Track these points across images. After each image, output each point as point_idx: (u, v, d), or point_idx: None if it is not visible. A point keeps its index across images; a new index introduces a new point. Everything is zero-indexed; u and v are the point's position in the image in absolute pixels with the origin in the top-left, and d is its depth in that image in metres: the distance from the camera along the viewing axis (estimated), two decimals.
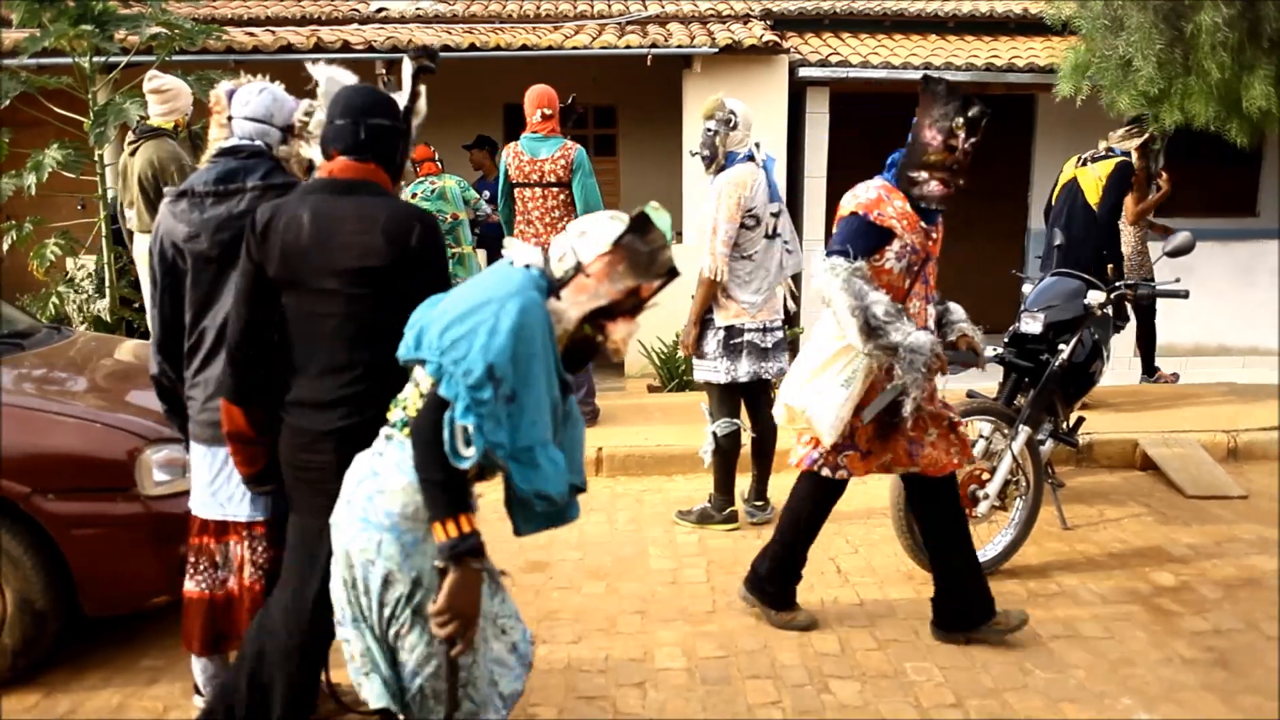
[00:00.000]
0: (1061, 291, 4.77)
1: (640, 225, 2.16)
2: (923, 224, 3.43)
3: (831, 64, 8.70)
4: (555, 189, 5.64)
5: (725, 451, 4.71)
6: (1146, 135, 6.37)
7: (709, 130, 4.64)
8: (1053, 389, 4.49)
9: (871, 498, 5.09)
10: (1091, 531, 4.72)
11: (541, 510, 2.17)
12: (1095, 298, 4.60)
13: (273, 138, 2.87)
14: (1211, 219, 9.50)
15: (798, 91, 8.81)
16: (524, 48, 8.35)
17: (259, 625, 2.62)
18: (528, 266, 2.19)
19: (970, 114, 3.34)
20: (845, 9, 10.11)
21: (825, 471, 3.57)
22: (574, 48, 8.48)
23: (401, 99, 2.64)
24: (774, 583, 3.77)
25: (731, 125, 4.61)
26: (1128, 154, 6.23)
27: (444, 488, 2.03)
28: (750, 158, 4.62)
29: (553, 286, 2.16)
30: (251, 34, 8.61)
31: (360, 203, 2.43)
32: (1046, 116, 9.85)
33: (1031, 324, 4.63)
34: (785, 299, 4.95)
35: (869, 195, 3.42)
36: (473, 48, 8.22)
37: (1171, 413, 6.31)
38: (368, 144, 2.48)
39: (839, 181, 9.22)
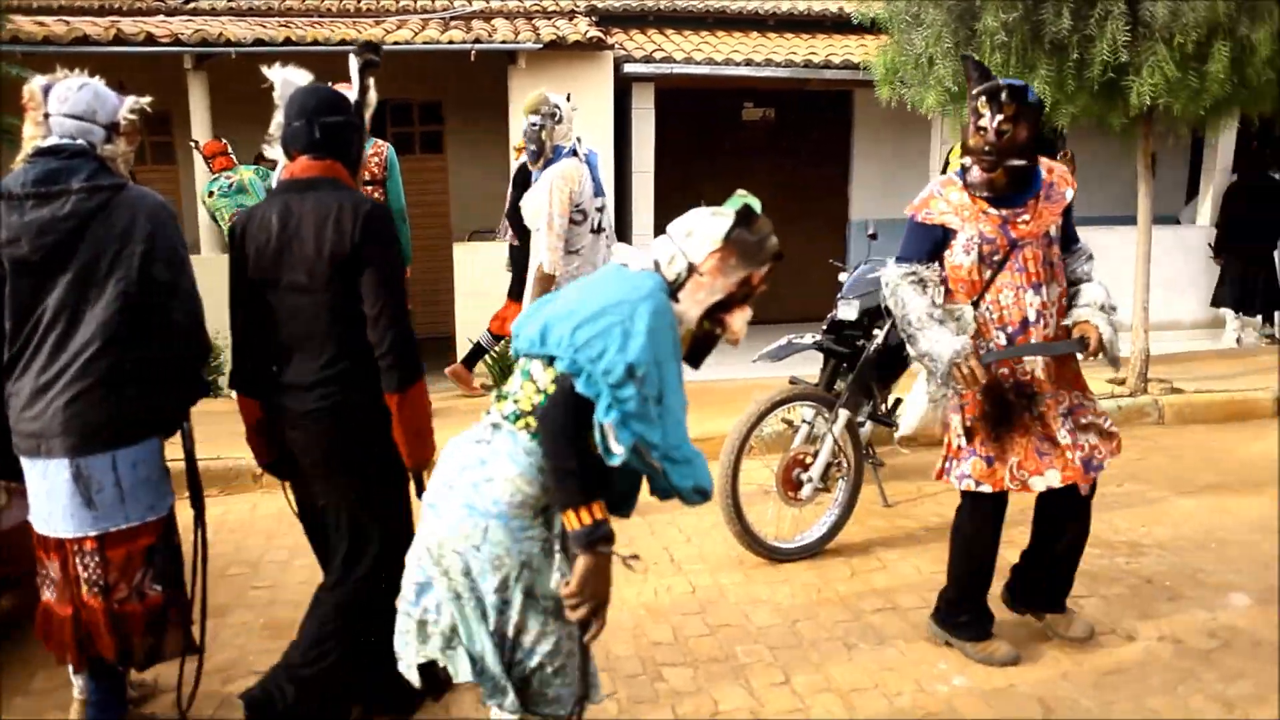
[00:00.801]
0: (875, 279, 4.94)
1: (746, 216, 2.21)
2: (991, 210, 3.23)
3: (656, 60, 8.82)
4: (370, 187, 5.54)
5: None
6: None
7: (534, 125, 4.63)
8: (869, 373, 4.63)
9: None
10: (911, 507, 4.96)
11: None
12: None
13: (96, 136, 2.68)
14: None
15: (624, 88, 8.89)
16: (343, 43, 8.08)
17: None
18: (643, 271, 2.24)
19: (982, 89, 3.16)
20: (669, 6, 10.29)
21: (953, 481, 3.39)
22: (396, 43, 8.27)
23: (351, 94, 2.84)
24: (966, 612, 3.57)
25: (558, 119, 4.61)
26: None
27: (576, 476, 2.05)
28: (574, 152, 4.63)
29: (670, 290, 2.20)
30: (42, 23, 8.00)
31: (318, 199, 2.63)
32: (864, 112, 10.29)
33: (847, 310, 4.80)
34: None
35: (921, 194, 3.37)
36: (288, 42, 7.89)
37: None
38: (322, 142, 2.71)
39: (666, 177, 9.40)
